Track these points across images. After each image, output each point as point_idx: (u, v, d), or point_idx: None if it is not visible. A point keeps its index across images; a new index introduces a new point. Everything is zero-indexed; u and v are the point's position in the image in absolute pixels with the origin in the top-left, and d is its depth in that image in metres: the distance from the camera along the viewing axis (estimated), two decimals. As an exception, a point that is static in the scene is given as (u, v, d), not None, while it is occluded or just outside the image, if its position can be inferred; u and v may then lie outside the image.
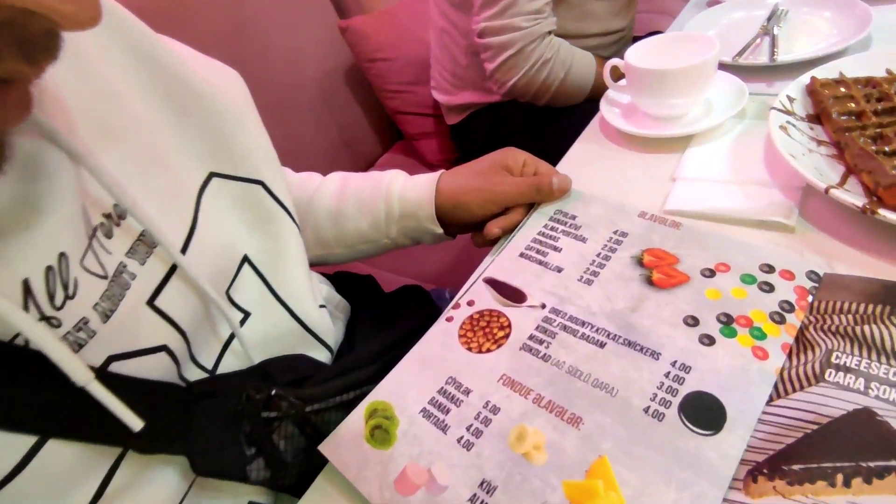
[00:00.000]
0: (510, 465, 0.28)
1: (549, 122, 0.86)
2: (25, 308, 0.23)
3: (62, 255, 0.24)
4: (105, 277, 0.27)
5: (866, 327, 0.30)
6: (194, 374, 0.32)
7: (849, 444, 0.25)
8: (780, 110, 0.46)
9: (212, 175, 0.35)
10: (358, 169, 1.15)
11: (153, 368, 0.29)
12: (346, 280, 0.56)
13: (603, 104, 0.56)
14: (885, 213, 0.34)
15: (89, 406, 0.24)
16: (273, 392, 0.33)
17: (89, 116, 0.28)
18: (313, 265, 0.50)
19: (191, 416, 0.30)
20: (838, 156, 0.42)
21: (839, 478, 0.24)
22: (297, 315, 0.39)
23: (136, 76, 0.32)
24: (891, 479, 0.23)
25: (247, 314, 0.37)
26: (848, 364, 0.28)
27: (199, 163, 0.35)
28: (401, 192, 0.46)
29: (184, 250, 0.31)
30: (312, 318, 0.40)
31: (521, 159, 0.46)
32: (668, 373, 0.30)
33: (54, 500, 0.24)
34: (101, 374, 0.26)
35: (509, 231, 0.45)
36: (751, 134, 0.49)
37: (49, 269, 0.24)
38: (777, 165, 0.44)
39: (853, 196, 0.36)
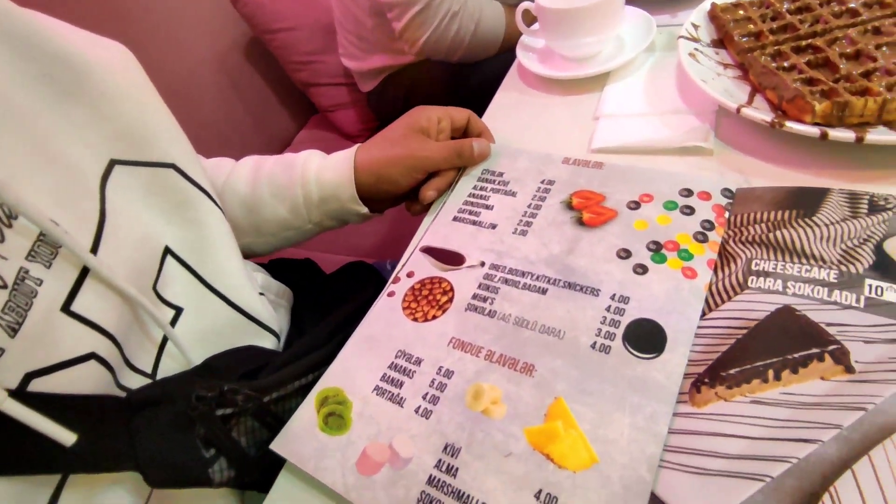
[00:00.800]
0: (471, 424, 0.28)
1: (466, 77, 0.84)
2: None
3: None
4: (4, 287, 0.23)
5: (779, 232, 0.31)
6: (135, 381, 0.30)
7: (775, 341, 0.27)
8: (687, 38, 0.47)
9: (113, 163, 0.31)
10: (273, 150, 1.09)
11: (84, 380, 0.26)
12: (283, 267, 0.53)
13: (519, 50, 0.55)
14: (791, 125, 0.36)
15: (12, 436, 0.22)
16: (225, 387, 0.30)
17: None
18: (240, 256, 0.47)
19: (133, 427, 0.27)
20: (743, 76, 0.44)
21: (770, 373, 0.26)
22: (235, 304, 0.36)
23: (5, 58, 0.27)
24: (813, 366, 0.25)
25: (179, 310, 0.33)
26: (766, 269, 0.30)
27: (96, 150, 0.30)
28: (317, 175, 0.43)
29: (95, 248, 0.27)
30: (254, 306, 0.38)
31: (435, 117, 0.45)
32: (609, 306, 0.31)
33: None
34: (19, 394, 0.23)
35: (444, 191, 0.43)
36: (662, 66, 0.50)
37: None
38: (690, 92, 0.45)
39: (762, 112, 0.38)
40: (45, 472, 0.25)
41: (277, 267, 0.53)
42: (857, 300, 0.27)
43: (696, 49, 0.46)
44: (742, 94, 0.42)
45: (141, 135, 0.33)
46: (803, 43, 0.42)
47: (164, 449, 0.28)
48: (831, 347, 0.26)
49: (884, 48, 0.39)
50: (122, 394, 0.28)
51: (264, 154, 0.48)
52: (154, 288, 0.32)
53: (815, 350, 0.26)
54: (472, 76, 0.85)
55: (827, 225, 0.31)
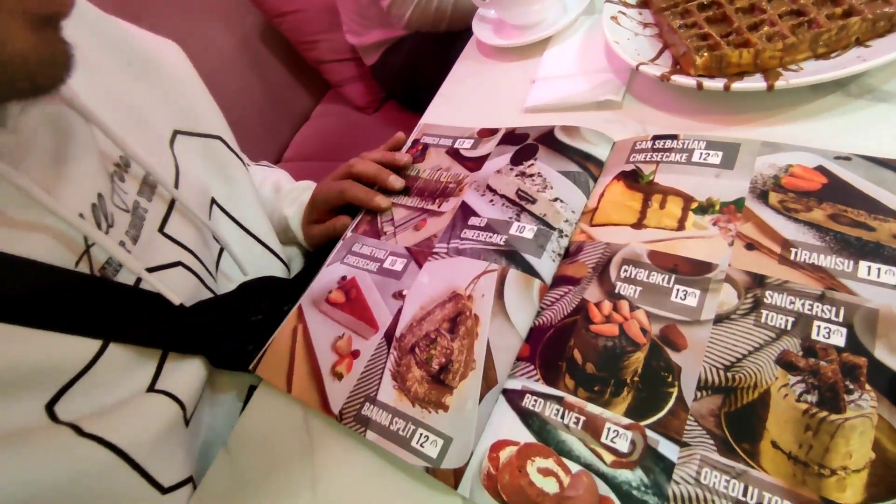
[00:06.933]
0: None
1: (456, 44, 0.90)
2: (84, 236, 0.31)
3: (100, 195, 0.33)
4: (128, 211, 0.36)
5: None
6: (211, 283, 0.42)
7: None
8: (613, 2, 0.52)
9: (176, 132, 0.43)
10: (293, 125, 1.19)
11: (176, 280, 0.37)
12: None
13: (474, 23, 0.62)
14: (675, 78, 0.42)
15: (135, 322, 0.34)
16: (256, 303, 0.43)
17: (78, 85, 0.35)
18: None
19: (204, 325, 0.39)
20: (659, 35, 0.49)
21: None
22: (261, 240, 0.49)
23: (102, 51, 0.39)
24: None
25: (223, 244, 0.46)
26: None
27: (165, 121, 0.43)
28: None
29: (176, 188, 0.40)
30: (273, 243, 0.50)
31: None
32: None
33: (124, 379, 0.33)
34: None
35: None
36: (597, 28, 0.55)
37: (94, 205, 0.32)
38: (611, 52, 0.51)
39: (656, 68, 0.44)
40: (151, 346, 0.35)
41: None
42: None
43: (620, 11, 0.51)
44: (653, 51, 0.48)
45: (194, 113, 0.45)
46: (709, 0, 0.47)
47: (222, 342, 0.40)
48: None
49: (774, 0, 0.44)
50: (210, 295, 0.40)
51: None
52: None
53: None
54: (460, 43, 0.91)
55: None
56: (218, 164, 0.45)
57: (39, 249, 0.29)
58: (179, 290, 0.37)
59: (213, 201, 0.45)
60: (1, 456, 0.27)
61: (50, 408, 0.29)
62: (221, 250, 0.45)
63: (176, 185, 0.40)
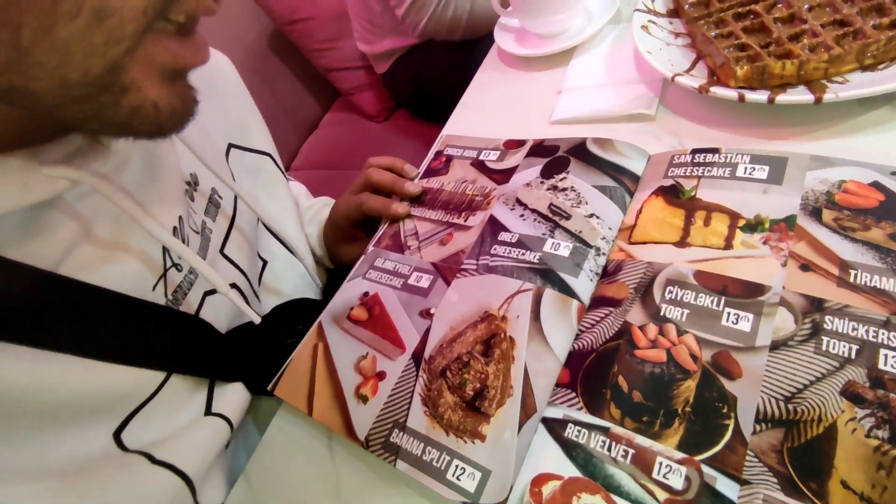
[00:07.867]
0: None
1: (469, 53, 0.89)
2: (163, 258, 0.31)
3: (180, 218, 0.32)
4: (199, 233, 0.35)
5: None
6: (256, 305, 0.41)
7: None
8: (642, 11, 0.51)
9: (230, 146, 0.42)
10: (302, 133, 1.18)
11: (231, 302, 0.36)
12: None
13: (496, 32, 0.61)
14: (715, 90, 0.41)
15: (194, 353, 0.34)
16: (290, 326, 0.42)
17: None
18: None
19: (241, 358, 0.38)
20: (692, 45, 0.48)
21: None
22: (301, 259, 0.48)
23: None
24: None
25: (265, 262, 0.45)
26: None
27: (221, 134, 0.42)
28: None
29: (235, 207, 0.39)
30: (309, 262, 0.49)
31: None
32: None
33: (184, 405, 0.33)
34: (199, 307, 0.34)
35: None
36: (624, 37, 0.54)
37: (175, 228, 0.32)
38: (641, 63, 0.50)
39: (692, 79, 0.43)
40: (202, 375, 0.35)
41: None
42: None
43: (650, 20, 0.50)
44: (686, 62, 0.46)
45: (245, 127, 0.44)
46: (745, 9, 0.46)
47: (257, 368, 0.39)
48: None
49: (815, 9, 0.42)
50: (254, 316, 0.38)
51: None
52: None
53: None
54: (474, 52, 0.90)
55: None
56: (266, 181, 0.45)
57: (126, 270, 0.29)
58: (230, 312, 0.36)
59: (258, 220, 0.44)
60: (76, 492, 0.26)
61: (117, 436, 0.29)
62: (263, 268, 0.44)
63: (235, 203, 0.39)
